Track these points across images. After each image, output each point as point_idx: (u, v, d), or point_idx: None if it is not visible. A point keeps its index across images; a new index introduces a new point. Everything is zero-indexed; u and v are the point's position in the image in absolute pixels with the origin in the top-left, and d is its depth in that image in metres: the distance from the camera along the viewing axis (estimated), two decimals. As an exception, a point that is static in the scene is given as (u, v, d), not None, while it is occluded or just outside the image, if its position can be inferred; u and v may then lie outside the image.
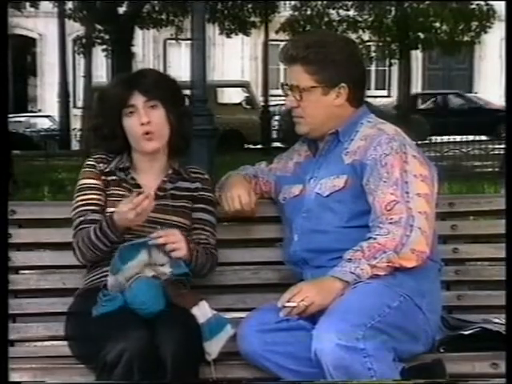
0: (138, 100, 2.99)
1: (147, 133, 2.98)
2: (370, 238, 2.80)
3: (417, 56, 28.37)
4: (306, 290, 2.78)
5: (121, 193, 3.01)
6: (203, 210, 3.07)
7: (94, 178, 3.03)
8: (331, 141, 2.99)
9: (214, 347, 2.80)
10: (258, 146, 22.27)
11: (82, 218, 2.99)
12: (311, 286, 2.80)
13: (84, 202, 3.01)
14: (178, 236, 2.88)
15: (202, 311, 2.82)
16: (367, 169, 2.87)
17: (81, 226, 2.97)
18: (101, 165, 3.05)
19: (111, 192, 3.02)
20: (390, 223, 2.79)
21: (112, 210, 2.94)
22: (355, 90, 2.99)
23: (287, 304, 2.77)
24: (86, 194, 3.02)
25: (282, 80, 31.63)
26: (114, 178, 3.04)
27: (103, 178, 3.03)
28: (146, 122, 2.97)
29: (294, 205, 3.02)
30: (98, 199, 3.01)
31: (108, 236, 2.88)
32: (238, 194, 3.06)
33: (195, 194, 3.07)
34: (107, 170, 3.04)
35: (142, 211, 2.81)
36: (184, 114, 3.10)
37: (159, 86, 3.01)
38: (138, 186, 3.03)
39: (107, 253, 2.91)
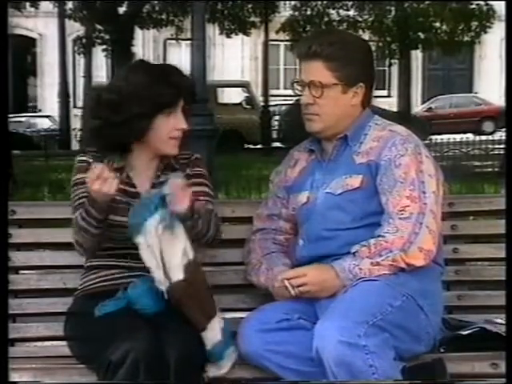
0: (180, 104, 2.93)
1: (178, 138, 2.93)
2: (379, 235, 2.81)
3: (417, 56, 28.42)
4: (310, 277, 2.82)
5: (116, 196, 2.89)
6: (197, 183, 2.99)
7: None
8: (339, 145, 2.98)
9: (215, 371, 2.79)
10: (258, 146, 22.29)
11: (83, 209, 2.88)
12: (316, 277, 2.82)
13: (82, 195, 2.91)
14: (186, 190, 2.76)
15: (211, 334, 2.76)
16: (381, 168, 2.87)
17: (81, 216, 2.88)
18: (93, 160, 2.95)
19: None
20: (400, 219, 2.80)
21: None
22: (369, 91, 3.00)
23: (286, 282, 2.82)
24: (83, 188, 2.91)
25: (282, 80, 31.73)
26: None
27: None
28: (185, 129, 2.93)
29: (303, 212, 3.00)
30: None
31: (92, 215, 2.79)
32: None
33: (186, 177, 2.97)
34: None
35: (103, 181, 2.70)
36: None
37: (190, 94, 2.97)
38: (133, 186, 2.97)
39: (99, 238, 2.85)
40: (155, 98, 2.88)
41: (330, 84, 2.92)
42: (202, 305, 2.77)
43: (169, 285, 2.70)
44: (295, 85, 3.01)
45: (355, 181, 2.90)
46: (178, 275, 2.70)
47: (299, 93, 2.99)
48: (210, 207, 2.98)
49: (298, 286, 2.82)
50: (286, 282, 2.82)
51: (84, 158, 2.99)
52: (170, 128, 2.92)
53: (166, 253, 2.71)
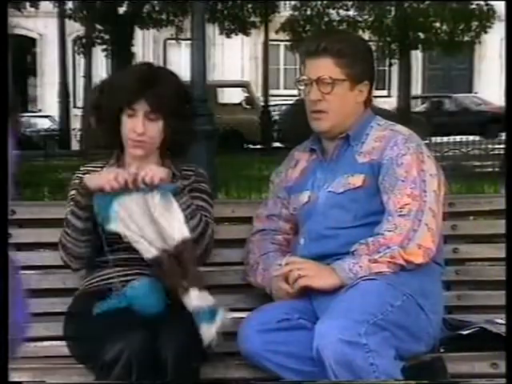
0: (141, 107, 2.94)
1: (137, 141, 2.96)
2: (377, 233, 2.81)
3: (417, 56, 28.40)
4: (307, 264, 2.85)
5: None
6: (197, 197, 3.02)
7: None
8: (341, 145, 2.99)
9: (206, 333, 2.79)
10: (258, 146, 22.29)
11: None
12: (314, 266, 2.85)
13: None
14: (155, 168, 2.83)
15: (191, 299, 2.77)
16: (383, 168, 2.88)
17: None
18: None
19: None
20: (399, 216, 2.81)
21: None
22: (371, 90, 3.02)
23: (286, 268, 2.85)
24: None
25: (282, 80, 31.74)
26: None
27: None
28: (140, 133, 2.95)
29: (305, 212, 3.01)
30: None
31: (80, 203, 2.85)
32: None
33: (190, 187, 3.02)
34: None
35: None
36: (185, 123, 3.05)
37: (168, 100, 2.95)
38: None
39: (85, 240, 2.89)
40: (119, 94, 2.95)
41: (339, 79, 2.94)
42: (186, 276, 2.77)
43: (158, 254, 2.75)
44: (299, 83, 3.01)
45: (357, 180, 2.90)
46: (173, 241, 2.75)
47: (303, 91, 2.99)
48: (209, 226, 2.99)
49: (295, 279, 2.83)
50: (286, 268, 2.84)
51: (80, 175, 3.01)
52: (129, 130, 2.95)
53: (160, 224, 2.75)
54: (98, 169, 3.04)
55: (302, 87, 3.01)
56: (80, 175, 3.01)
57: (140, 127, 2.94)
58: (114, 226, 2.78)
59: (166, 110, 2.95)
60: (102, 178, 2.83)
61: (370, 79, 3.01)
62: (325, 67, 2.95)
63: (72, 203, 2.90)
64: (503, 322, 2.89)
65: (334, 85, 2.93)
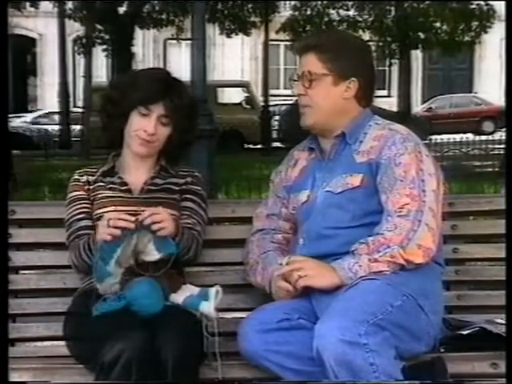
0: (157, 110, 2.99)
1: (146, 140, 3.01)
2: (377, 233, 2.81)
3: (417, 56, 28.43)
4: (307, 263, 2.84)
5: (109, 194, 3.04)
6: (191, 200, 3.08)
7: (77, 190, 3.07)
8: (338, 144, 2.99)
9: (206, 309, 2.82)
10: (258, 146, 22.29)
11: (71, 229, 3.03)
12: (314, 265, 2.83)
13: (72, 214, 3.05)
14: (163, 214, 2.84)
15: (181, 295, 2.84)
16: (381, 167, 2.88)
17: (72, 236, 3.01)
18: (84, 177, 3.09)
19: (99, 195, 3.04)
20: (399, 216, 2.80)
21: (100, 211, 2.98)
22: (364, 88, 3.00)
23: (286, 268, 2.85)
24: (72, 206, 3.06)
25: (282, 80, 31.73)
26: (100, 184, 3.07)
27: (87, 187, 3.07)
28: (150, 133, 3.00)
29: (303, 211, 3.01)
30: (84, 207, 3.04)
31: (91, 251, 2.90)
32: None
33: (184, 187, 3.09)
34: (93, 178, 3.08)
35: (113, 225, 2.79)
36: (190, 135, 3.11)
37: (182, 110, 3.02)
38: (125, 184, 3.06)
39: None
40: (138, 91, 2.98)
41: (320, 74, 2.95)
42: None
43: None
44: (292, 83, 3.03)
45: (355, 179, 2.90)
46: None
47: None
48: (198, 228, 3.03)
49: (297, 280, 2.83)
50: (286, 268, 2.84)
51: (75, 177, 3.10)
52: (139, 128, 2.99)
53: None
54: (93, 172, 3.09)
55: (294, 85, 3.03)
56: (76, 177, 3.09)
57: (151, 128, 2.99)
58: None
59: (178, 118, 3.01)
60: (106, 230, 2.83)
61: (361, 77, 2.98)
62: (308, 62, 2.97)
63: (86, 245, 2.93)
64: (503, 321, 2.90)
65: (315, 79, 2.95)
